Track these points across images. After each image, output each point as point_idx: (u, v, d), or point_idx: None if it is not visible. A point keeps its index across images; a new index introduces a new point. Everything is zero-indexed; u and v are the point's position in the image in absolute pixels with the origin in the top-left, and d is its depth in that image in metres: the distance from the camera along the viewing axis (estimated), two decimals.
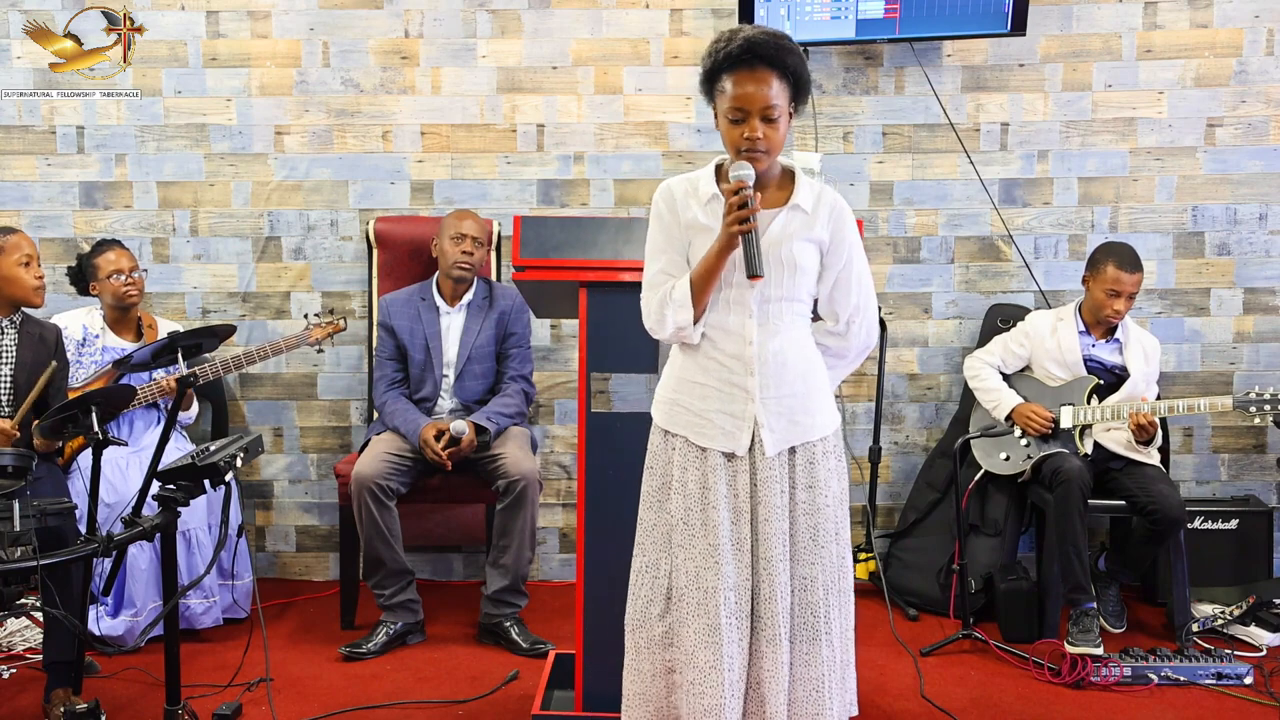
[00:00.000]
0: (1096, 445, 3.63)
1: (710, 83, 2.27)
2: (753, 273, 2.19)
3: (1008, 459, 3.74)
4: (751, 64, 2.19)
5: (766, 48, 2.20)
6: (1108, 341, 3.73)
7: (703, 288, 2.26)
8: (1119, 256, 3.62)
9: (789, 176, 2.35)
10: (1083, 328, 3.73)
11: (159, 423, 3.69)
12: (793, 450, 2.31)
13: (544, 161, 4.17)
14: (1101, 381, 3.67)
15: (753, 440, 2.28)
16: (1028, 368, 3.82)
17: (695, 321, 2.28)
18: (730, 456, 2.29)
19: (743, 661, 2.28)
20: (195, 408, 3.84)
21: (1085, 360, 3.70)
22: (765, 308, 2.29)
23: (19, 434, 3.10)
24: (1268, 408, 3.45)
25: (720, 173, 2.35)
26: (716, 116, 2.28)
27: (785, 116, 2.24)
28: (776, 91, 2.20)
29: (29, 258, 3.24)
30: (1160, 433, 3.62)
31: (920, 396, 4.24)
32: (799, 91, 2.25)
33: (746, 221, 2.17)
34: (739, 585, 2.27)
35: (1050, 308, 3.96)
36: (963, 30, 3.90)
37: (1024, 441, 3.71)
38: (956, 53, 4.09)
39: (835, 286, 2.37)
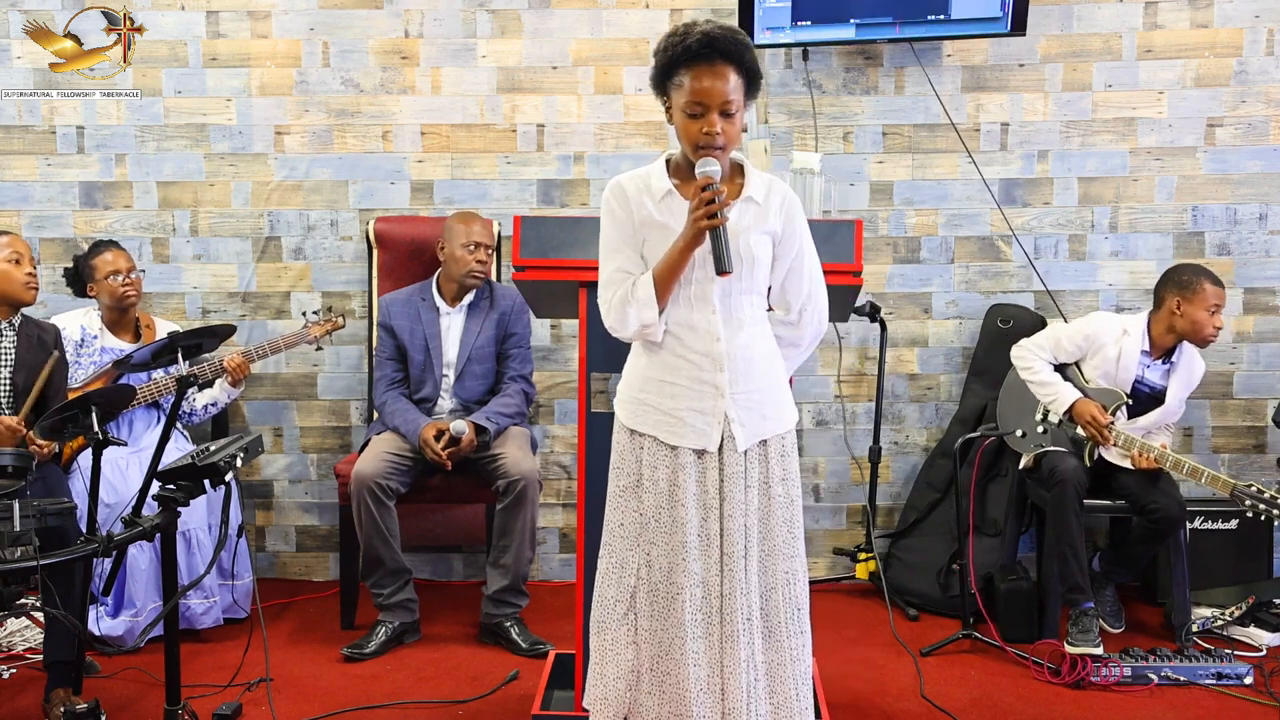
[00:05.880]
0: (1100, 457, 3.59)
1: (665, 78, 2.26)
2: (722, 268, 2.20)
3: (1024, 436, 3.70)
4: (711, 59, 2.19)
5: (726, 43, 2.20)
6: (1163, 363, 3.64)
7: (666, 284, 2.26)
8: (1208, 274, 3.54)
9: (739, 169, 2.36)
10: (1146, 346, 3.62)
11: (159, 423, 3.69)
12: (764, 443, 2.32)
13: (544, 161, 4.17)
14: (1131, 402, 3.60)
15: (722, 436, 2.29)
16: (1071, 364, 3.75)
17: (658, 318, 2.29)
18: (700, 453, 2.29)
19: (711, 658, 2.28)
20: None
21: (1136, 381, 3.61)
22: (728, 302, 2.30)
23: (24, 430, 3.09)
24: (1263, 506, 3.27)
25: (671, 167, 2.35)
26: (670, 111, 2.28)
27: (741, 111, 2.25)
28: (735, 86, 2.21)
29: (19, 255, 3.24)
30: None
31: (920, 396, 4.24)
32: (752, 86, 2.26)
33: (715, 216, 2.18)
34: (707, 581, 2.28)
35: (1057, 308, 3.92)
36: (963, 30, 3.90)
37: (1041, 429, 3.69)
38: (956, 53, 4.09)
39: (788, 276, 2.38)
